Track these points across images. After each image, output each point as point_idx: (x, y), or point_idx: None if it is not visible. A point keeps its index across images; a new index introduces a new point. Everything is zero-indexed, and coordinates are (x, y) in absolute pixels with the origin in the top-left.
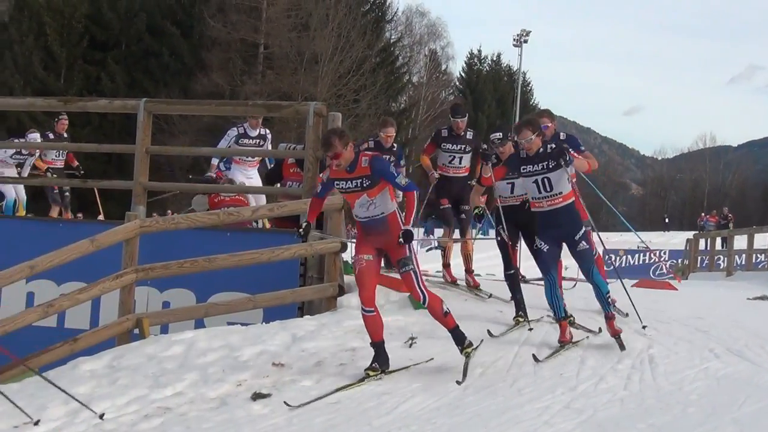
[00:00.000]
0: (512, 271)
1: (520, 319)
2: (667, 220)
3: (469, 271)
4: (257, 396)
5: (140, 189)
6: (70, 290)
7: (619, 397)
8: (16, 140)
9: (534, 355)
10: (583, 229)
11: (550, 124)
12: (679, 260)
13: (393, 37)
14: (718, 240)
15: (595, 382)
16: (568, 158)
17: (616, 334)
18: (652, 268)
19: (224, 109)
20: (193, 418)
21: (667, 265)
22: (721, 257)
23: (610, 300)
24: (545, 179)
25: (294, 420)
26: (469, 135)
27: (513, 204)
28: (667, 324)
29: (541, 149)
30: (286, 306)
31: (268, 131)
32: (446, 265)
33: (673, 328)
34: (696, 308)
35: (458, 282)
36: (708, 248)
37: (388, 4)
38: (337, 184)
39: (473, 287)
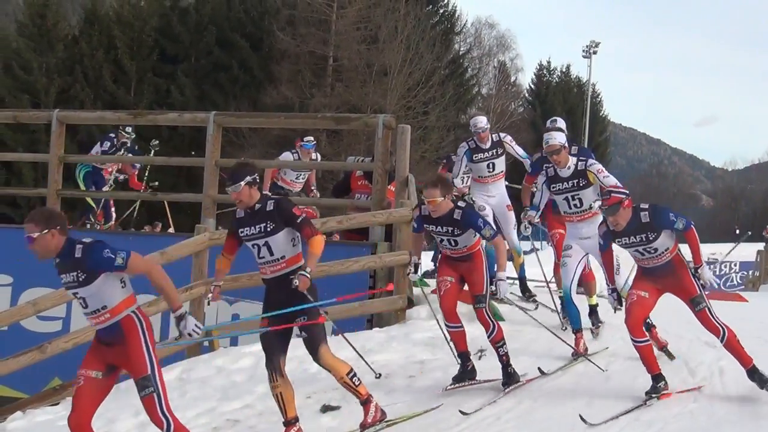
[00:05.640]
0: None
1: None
2: (737, 232)
3: None
4: (326, 408)
5: (210, 202)
6: (140, 303)
7: (689, 409)
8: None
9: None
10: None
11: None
12: (750, 272)
13: (462, 48)
14: None
15: None
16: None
17: None
18: (723, 279)
19: (293, 122)
20: (262, 431)
21: (738, 277)
22: None
23: None
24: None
25: None
26: None
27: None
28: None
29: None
30: (355, 318)
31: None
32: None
33: (744, 340)
34: (767, 320)
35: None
36: None
37: (457, 15)
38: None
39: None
